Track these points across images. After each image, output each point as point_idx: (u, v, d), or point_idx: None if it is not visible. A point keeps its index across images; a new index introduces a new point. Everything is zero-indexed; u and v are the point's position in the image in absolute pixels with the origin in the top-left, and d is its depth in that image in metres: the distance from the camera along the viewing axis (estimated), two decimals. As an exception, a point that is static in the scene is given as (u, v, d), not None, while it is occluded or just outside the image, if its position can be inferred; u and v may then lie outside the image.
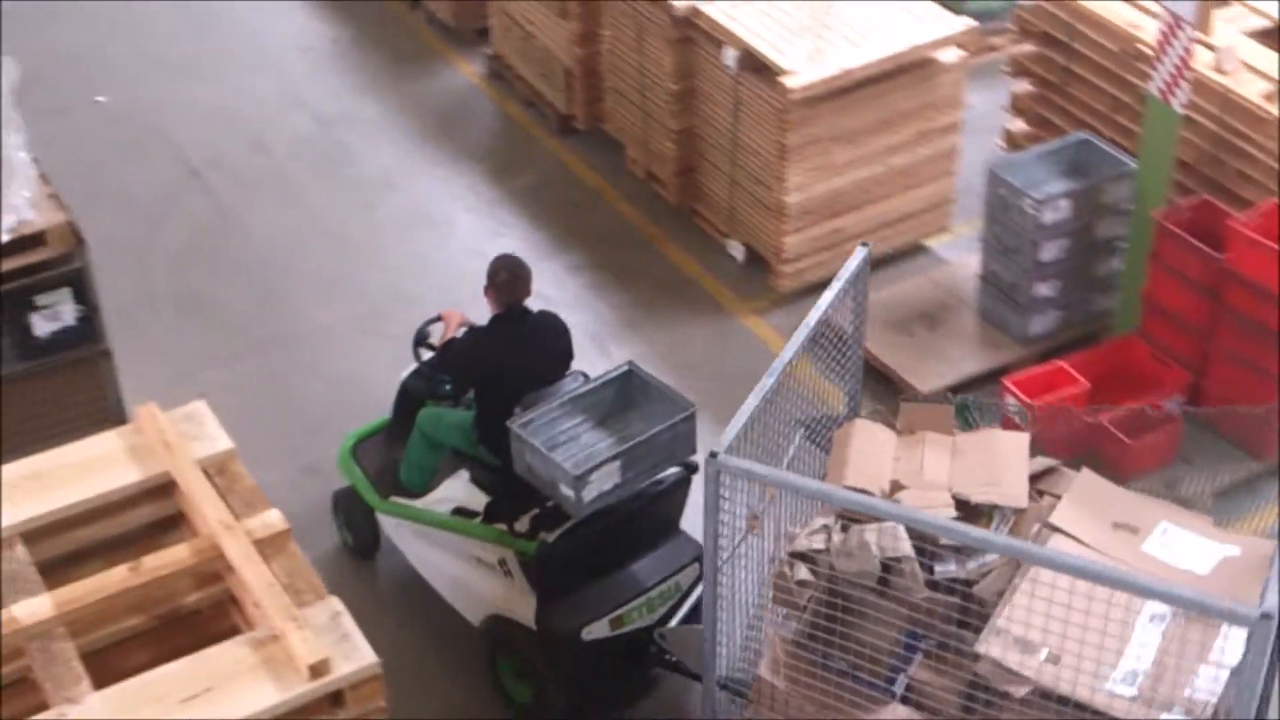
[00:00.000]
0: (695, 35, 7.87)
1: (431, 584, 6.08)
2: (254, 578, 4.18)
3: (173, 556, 4.32)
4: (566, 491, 5.32)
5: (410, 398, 6.20)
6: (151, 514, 4.58)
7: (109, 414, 6.10)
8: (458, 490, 5.93)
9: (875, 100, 7.56)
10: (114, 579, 4.25)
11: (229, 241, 8.37)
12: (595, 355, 7.16)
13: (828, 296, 5.05)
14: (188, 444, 4.60)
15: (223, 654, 4.04)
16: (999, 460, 4.93)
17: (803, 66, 7.34)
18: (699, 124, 8.11)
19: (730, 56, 7.60)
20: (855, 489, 4.68)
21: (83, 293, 5.87)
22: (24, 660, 4.07)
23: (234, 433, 4.68)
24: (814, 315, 4.99)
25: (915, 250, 8.17)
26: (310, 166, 8.95)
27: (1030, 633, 4.34)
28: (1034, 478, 4.94)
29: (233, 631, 4.25)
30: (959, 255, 8.01)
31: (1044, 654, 4.32)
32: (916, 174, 7.92)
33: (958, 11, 7.92)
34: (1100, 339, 7.33)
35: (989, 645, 4.36)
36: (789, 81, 7.26)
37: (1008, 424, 5.46)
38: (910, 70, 7.59)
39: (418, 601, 6.19)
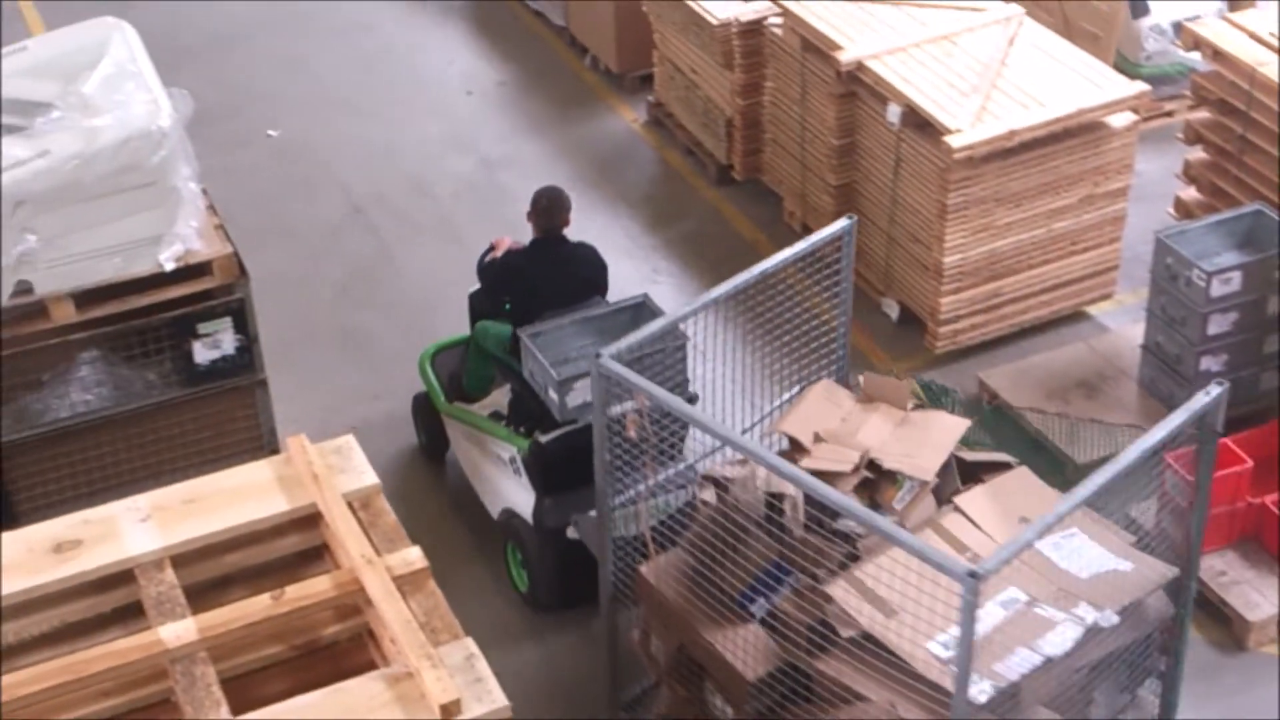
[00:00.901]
0: (859, 90, 7.80)
1: (469, 480, 6.77)
2: (392, 614, 4.19)
3: (315, 588, 4.35)
4: (553, 395, 5.98)
5: (475, 314, 6.82)
6: (297, 544, 4.62)
7: (262, 442, 6.22)
8: (501, 398, 6.66)
9: (1042, 162, 7.41)
10: (257, 607, 4.30)
11: (388, 279, 8.50)
12: (747, 408, 7.10)
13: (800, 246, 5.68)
14: (335, 477, 4.64)
15: (358, 688, 4.05)
16: (929, 437, 5.35)
17: (968, 125, 7.23)
18: (859, 179, 8.03)
19: (894, 113, 7.52)
20: (788, 434, 5.40)
21: (243, 323, 5.99)
22: (167, 682, 4.13)
23: (381, 467, 4.74)
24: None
25: (1076, 317, 7.98)
26: (471, 207, 9.06)
27: (880, 588, 4.78)
28: (981, 466, 5.33)
29: (369, 666, 4.26)
30: (1122, 324, 7.80)
31: (883, 608, 4.76)
32: (1081, 239, 7.73)
33: (1132, 75, 7.74)
34: (1267, 418, 7.05)
35: (837, 588, 4.84)
36: (953, 140, 7.16)
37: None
38: (1079, 133, 7.43)
39: (465, 496, 6.84)
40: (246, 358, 6.09)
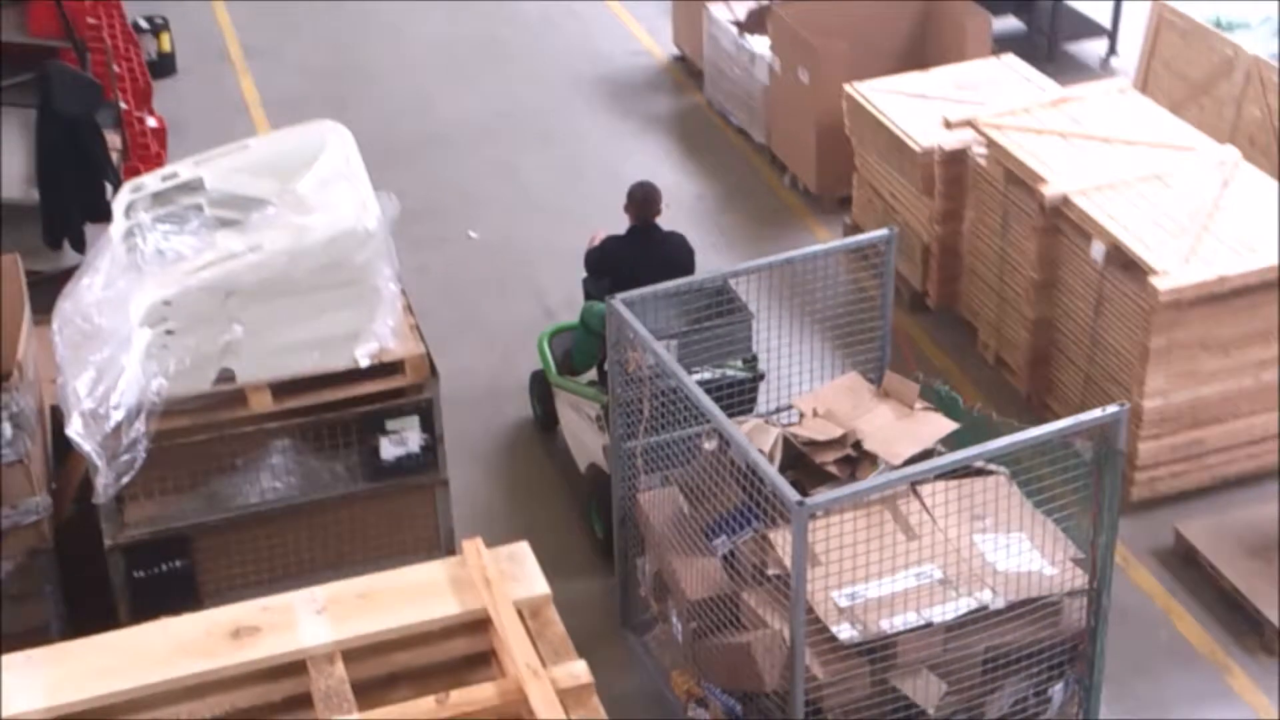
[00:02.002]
0: (1063, 225, 7.66)
1: (568, 442, 7.55)
2: (553, 728, 4.16)
3: (479, 694, 4.35)
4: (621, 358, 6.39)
5: (586, 297, 7.52)
6: (464, 648, 4.63)
7: (438, 541, 6.28)
8: None
9: (1252, 310, 7.16)
10: (421, 708, 4.31)
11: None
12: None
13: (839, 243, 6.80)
14: (507, 583, 4.65)
15: (513, 801, 4.02)
16: (916, 431, 5.95)
17: (1176, 267, 7.03)
18: (1057, 315, 7.85)
19: (1098, 250, 7.36)
20: (797, 407, 6.40)
21: (429, 422, 6.08)
22: (327, 777, 4.15)
23: (550, 571, 4.76)
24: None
25: (1281, 472, 7.65)
26: (661, 318, 9.11)
27: (817, 543, 5.32)
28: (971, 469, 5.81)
29: (525, 777, 4.23)
30: (1332, 481, 7.45)
31: (811, 557, 5.28)
32: (1290, 391, 7.43)
33: (1352, 224, 7.45)
34: None
35: (778, 535, 5.46)
36: (1159, 282, 6.96)
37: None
38: (1293, 281, 7.17)
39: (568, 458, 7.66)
40: (430, 456, 6.17)
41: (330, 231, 5.77)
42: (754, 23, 10.59)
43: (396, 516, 6.23)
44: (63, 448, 6.05)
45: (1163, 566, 7.17)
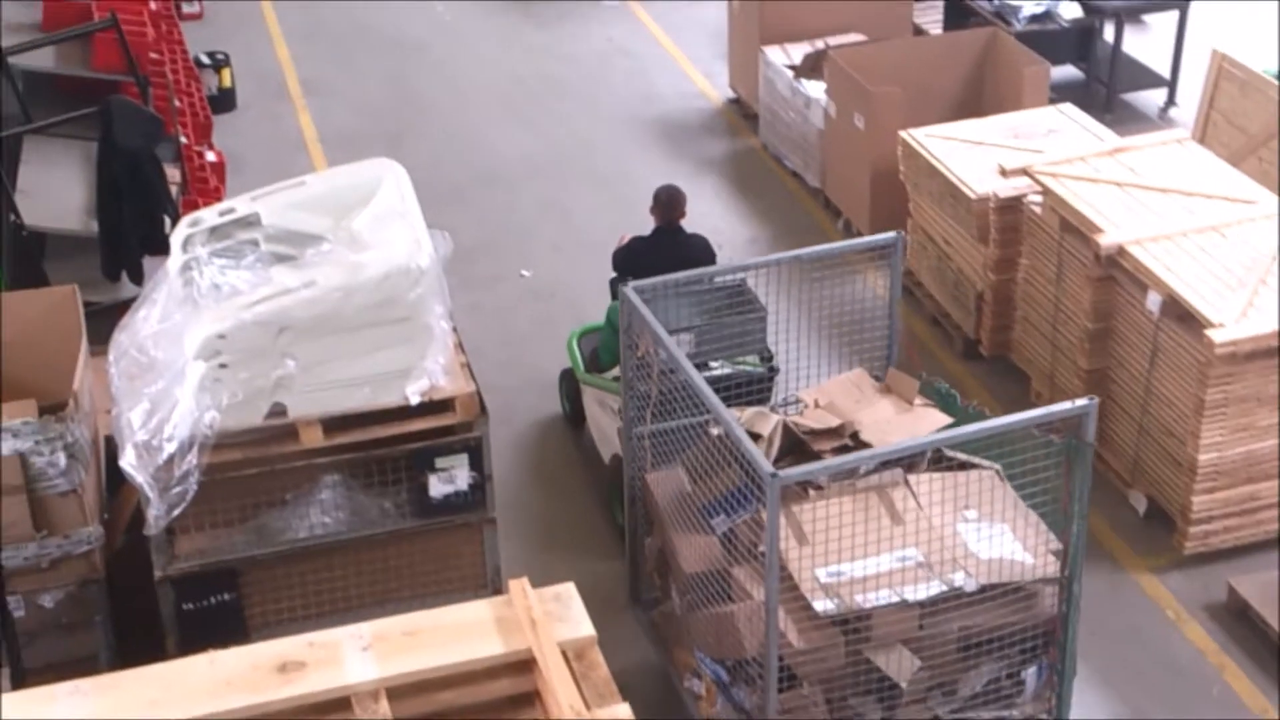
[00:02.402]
0: (1118, 275, 7.60)
1: (593, 435, 7.88)
2: (595, 773, 4.13)
3: (521, 736, 4.33)
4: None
5: (613, 296, 7.66)
6: (508, 688, 4.62)
7: (485, 580, 6.28)
8: None
9: (1310, 364, 7.08)
10: (464, 749, 4.30)
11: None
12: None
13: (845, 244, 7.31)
14: (553, 624, 4.63)
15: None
16: (912, 425, 6.21)
17: (1233, 320, 6.95)
18: (1112, 365, 7.79)
19: (1154, 301, 7.30)
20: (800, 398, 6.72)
21: (478, 461, 6.09)
22: (367, 816, 4.14)
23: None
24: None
25: (1339, 529, 7.54)
26: (711, 360, 9.10)
27: (806, 523, 5.75)
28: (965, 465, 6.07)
29: (566, 821, 4.20)
30: (1389, 540, 7.33)
31: (799, 535, 5.74)
32: (1349, 447, 7.33)
33: None
34: None
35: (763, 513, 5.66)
36: (1216, 334, 6.89)
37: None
38: (1353, 336, 7.07)
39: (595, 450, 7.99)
40: (479, 495, 6.18)
41: (383, 268, 5.81)
42: (810, 67, 10.61)
43: (443, 554, 6.24)
44: (116, 478, 6.10)
45: (1215, 622, 7.08)
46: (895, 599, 5.59)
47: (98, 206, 7.95)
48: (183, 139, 9.05)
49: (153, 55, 9.04)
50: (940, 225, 9.03)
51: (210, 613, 6.04)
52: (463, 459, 6.08)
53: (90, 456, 6.11)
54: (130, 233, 7.95)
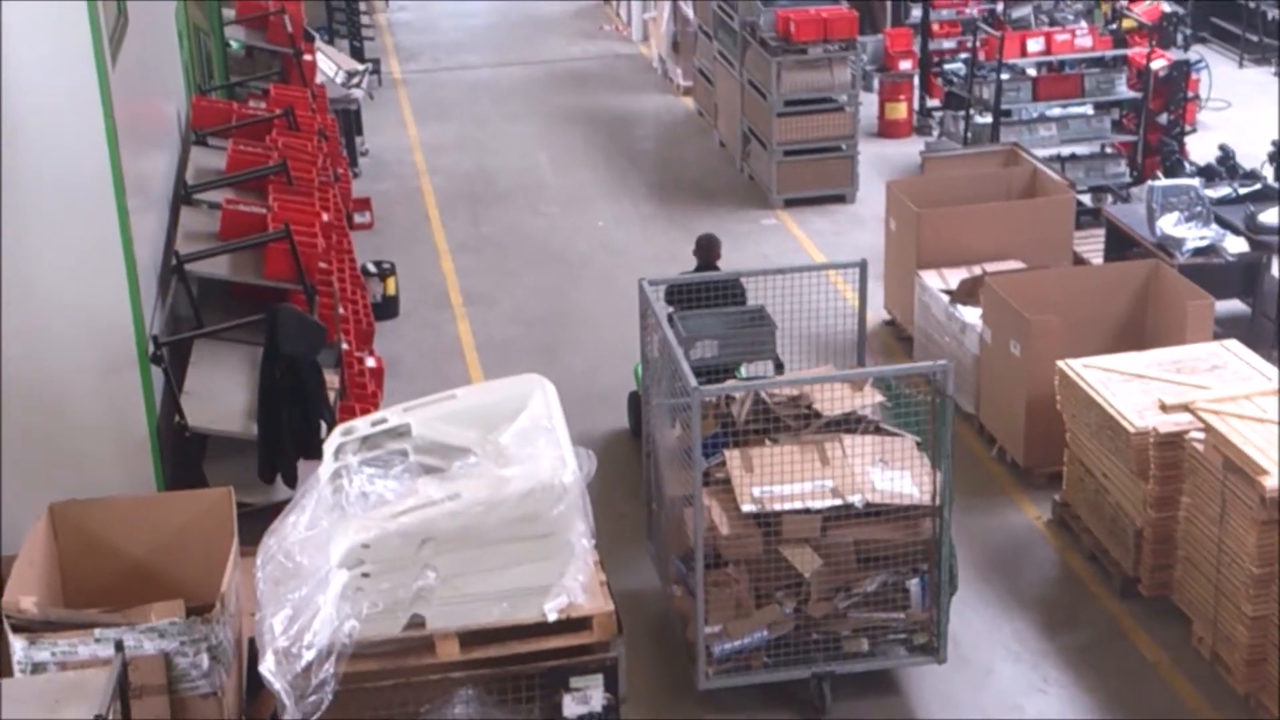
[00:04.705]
0: (1286, 518, 7.32)
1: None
2: None
3: None
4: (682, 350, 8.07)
5: None
6: None
7: (614, 805, 6.11)
8: None
9: None
10: None
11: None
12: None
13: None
14: None
15: None
16: (852, 398, 8.02)
17: None
18: (1278, 612, 7.43)
19: (1324, 547, 6.99)
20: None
21: (613, 682, 6.00)
22: None
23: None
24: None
25: None
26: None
27: (754, 459, 7.68)
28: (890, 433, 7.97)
29: None
30: None
31: (749, 466, 7.64)
32: None
33: None
34: None
35: (735, 452, 7.74)
36: (1391, 586, 6.55)
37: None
38: None
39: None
40: (612, 717, 6.06)
41: (527, 484, 5.83)
42: (966, 292, 10.57)
43: (573, 775, 6.11)
44: (255, 681, 6.12)
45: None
46: (800, 507, 7.47)
47: (258, 410, 8.15)
48: (344, 345, 9.28)
49: (321, 264, 9.34)
50: (1098, 458, 8.80)
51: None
52: (598, 679, 6.00)
53: (233, 659, 6.16)
54: (287, 437, 8.11)
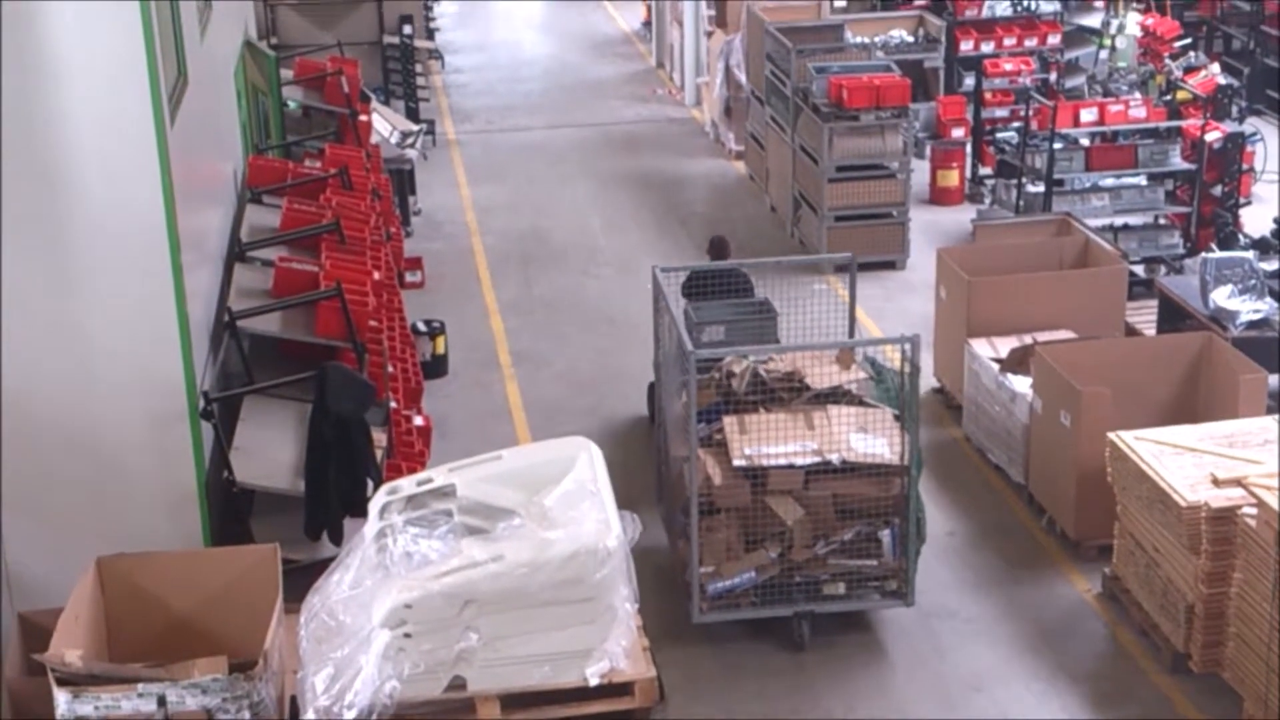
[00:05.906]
0: (1341, 597, 7.19)
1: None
2: None
3: None
4: (693, 336, 9.10)
5: None
6: None
7: None
8: None
9: None
10: None
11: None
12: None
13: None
14: None
15: None
16: (840, 375, 9.01)
17: None
18: (1334, 694, 7.30)
19: (1380, 628, 6.86)
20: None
21: (654, 749, 5.94)
22: None
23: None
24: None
25: None
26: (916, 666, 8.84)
27: (750, 424, 8.66)
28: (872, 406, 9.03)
29: None
30: None
31: (744, 429, 8.62)
32: None
33: None
34: None
35: (731, 418, 8.73)
36: None
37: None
38: None
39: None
40: (653, 784, 6.01)
41: (571, 547, 5.83)
42: (1016, 361, 10.51)
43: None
44: (295, 739, 6.12)
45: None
46: (785, 463, 8.49)
47: (306, 466, 8.19)
48: (393, 403, 9.33)
49: (372, 323, 9.42)
50: (1149, 531, 8.70)
51: None
52: (639, 746, 5.95)
53: (274, 716, 6.15)
54: (334, 494, 8.14)
